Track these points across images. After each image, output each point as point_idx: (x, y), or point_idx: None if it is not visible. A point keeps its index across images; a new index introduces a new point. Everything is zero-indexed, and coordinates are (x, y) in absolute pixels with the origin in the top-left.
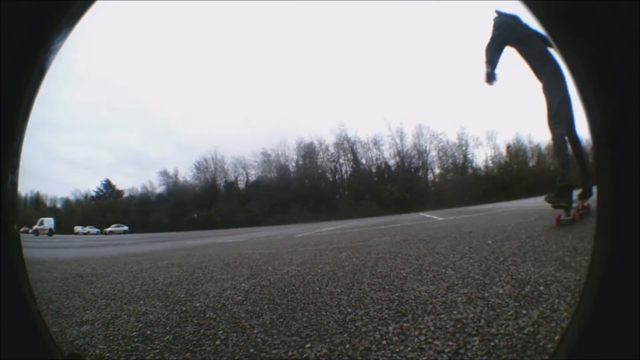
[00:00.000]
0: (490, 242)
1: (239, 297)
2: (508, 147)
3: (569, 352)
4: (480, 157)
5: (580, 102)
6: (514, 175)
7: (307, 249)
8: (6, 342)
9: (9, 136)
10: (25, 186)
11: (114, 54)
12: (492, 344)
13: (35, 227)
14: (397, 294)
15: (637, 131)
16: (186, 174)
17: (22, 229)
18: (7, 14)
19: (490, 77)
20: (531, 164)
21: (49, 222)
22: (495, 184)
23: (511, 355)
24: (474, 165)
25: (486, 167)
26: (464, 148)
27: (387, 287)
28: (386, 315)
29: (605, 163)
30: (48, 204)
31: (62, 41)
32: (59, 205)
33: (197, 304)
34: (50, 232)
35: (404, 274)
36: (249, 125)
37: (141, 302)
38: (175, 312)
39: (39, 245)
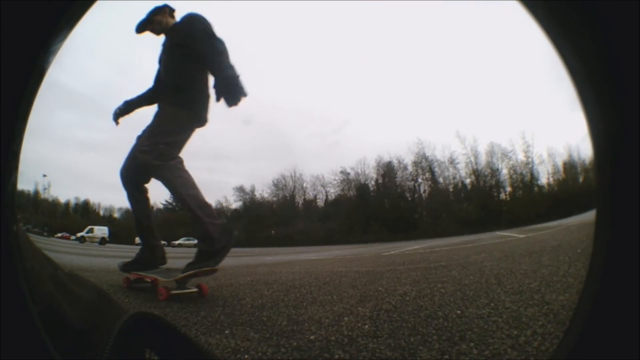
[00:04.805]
0: (579, 250)
1: (367, 327)
2: (564, 164)
3: (569, 352)
4: (544, 174)
5: (579, 104)
6: (569, 192)
7: (408, 267)
8: (6, 342)
9: (9, 137)
10: (69, 193)
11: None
12: None
13: (80, 234)
14: None
15: (638, 133)
16: (263, 190)
17: (60, 234)
18: (6, 14)
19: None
20: (580, 179)
21: (101, 231)
22: (557, 201)
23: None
24: (539, 183)
25: (549, 184)
26: (530, 166)
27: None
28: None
29: (605, 165)
30: (102, 213)
31: (62, 42)
32: (116, 215)
33: (312, 337)
34: (103, 241)
35: (535, 287)
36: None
37: (227, 331)
38: (283, 350)
39: (83, 253)
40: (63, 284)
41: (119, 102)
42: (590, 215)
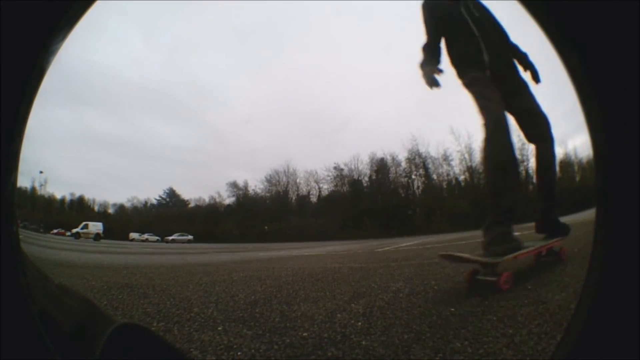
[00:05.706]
0: (576, 249)
1: (360, 324)
2: (561, 162)
3: (569, 352)
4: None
5: (579, 103)
6: (566, 190)
7: (401, 264)
8: (6, 342)
9: (9, 137)
10: (65, 189)
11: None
12: None
13: (75, 230)
14: None
15: (637, 132)
16: (256, 186)
17: (55, 231)
18: (6, 14)
19: (432, 80)
20: (577, 178)
21: (95, 227)
22: None
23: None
24: (534, 181)
25: None
26: (525, 163)
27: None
28: None
29: (605, 164)
30: (97, 208)
31: (62, 42)
32: (110, 210)
33: (305, 334)
34: (97, 237)
35: (530, 286)
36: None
37: (220, 327)
38: (276, 347)
39: (78, 249)
40: (53, 294)
41: None
42: (585, 214)
